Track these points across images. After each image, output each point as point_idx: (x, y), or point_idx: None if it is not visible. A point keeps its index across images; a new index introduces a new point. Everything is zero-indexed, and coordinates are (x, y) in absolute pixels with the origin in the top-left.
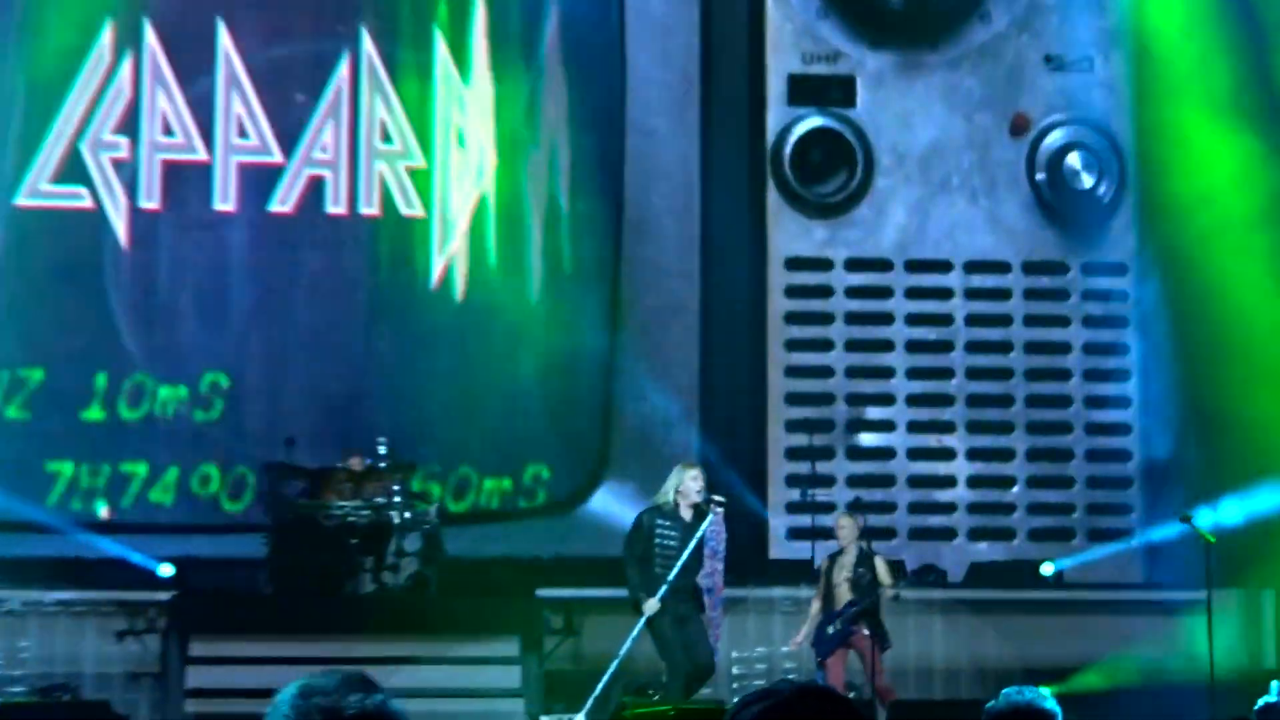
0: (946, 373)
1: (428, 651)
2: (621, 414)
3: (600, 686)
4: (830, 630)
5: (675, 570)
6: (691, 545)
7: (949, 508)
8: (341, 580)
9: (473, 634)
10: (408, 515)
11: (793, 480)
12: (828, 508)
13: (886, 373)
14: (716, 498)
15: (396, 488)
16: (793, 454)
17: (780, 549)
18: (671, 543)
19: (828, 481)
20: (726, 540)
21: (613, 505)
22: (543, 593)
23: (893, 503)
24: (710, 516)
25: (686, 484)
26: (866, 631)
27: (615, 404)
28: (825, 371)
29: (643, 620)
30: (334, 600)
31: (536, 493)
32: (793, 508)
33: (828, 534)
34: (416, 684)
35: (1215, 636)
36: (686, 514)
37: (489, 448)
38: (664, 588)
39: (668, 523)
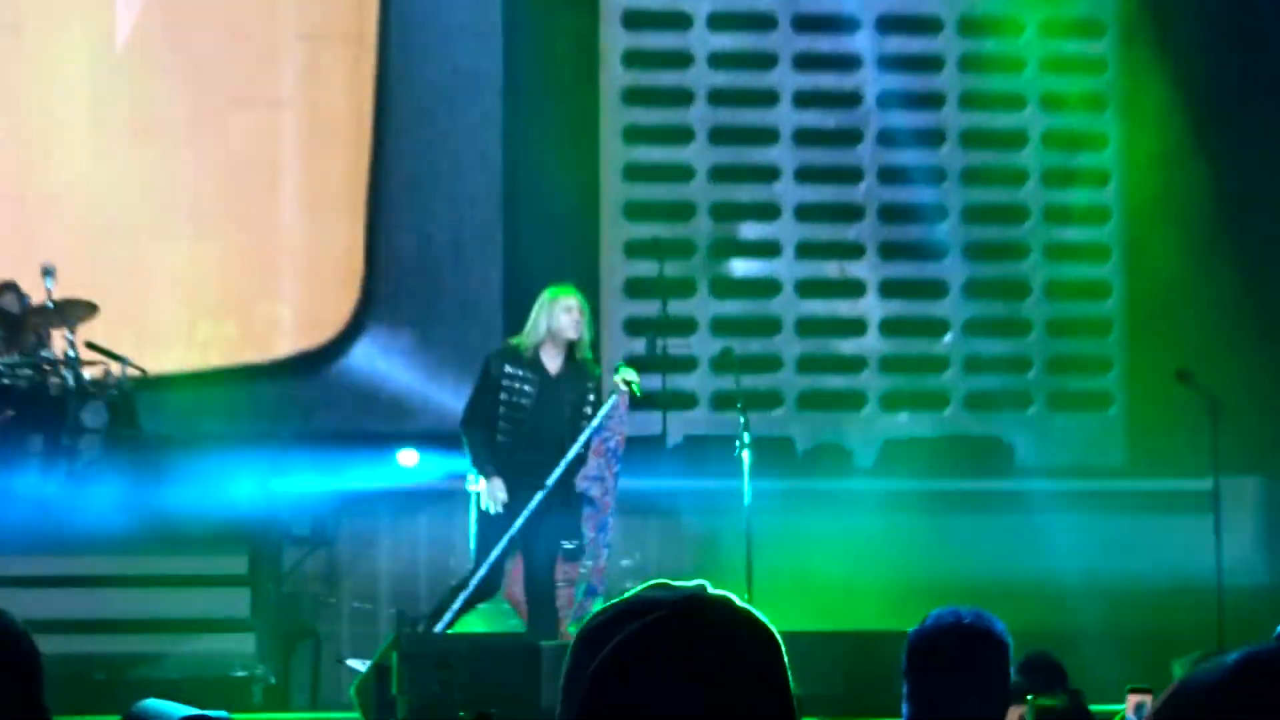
0: (852, 174)
1: (118, 569)
2: (390, 234)
3: (450, 613)
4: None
5: (561, 464)
6: (589, 430)
7: (856, 365)
8: None
9: (181, 545)
10: (87, 378)
11: (634, 326)
12: (685, 365)
13: (768, 174)
14: (626, 373)
15: (69, 337)
16: (634, 289)
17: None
18: (523, 400)
19: (685, 327)
20: (625, 439)
21: (379, 363)
22: (281, 486)
23: (776, 357)
24: (613, 398)
25: (558, 317)
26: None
27: (382, 219)
28: (681, 173)
29: (475, 508)
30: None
31: (271, 343)
32: (634, 364)
33: (686, 402)
34: (109, 613)
35: (1223, 540)
36: (553, 363)
37: (202, 278)
38: (540, 494)
39: (523, 373)
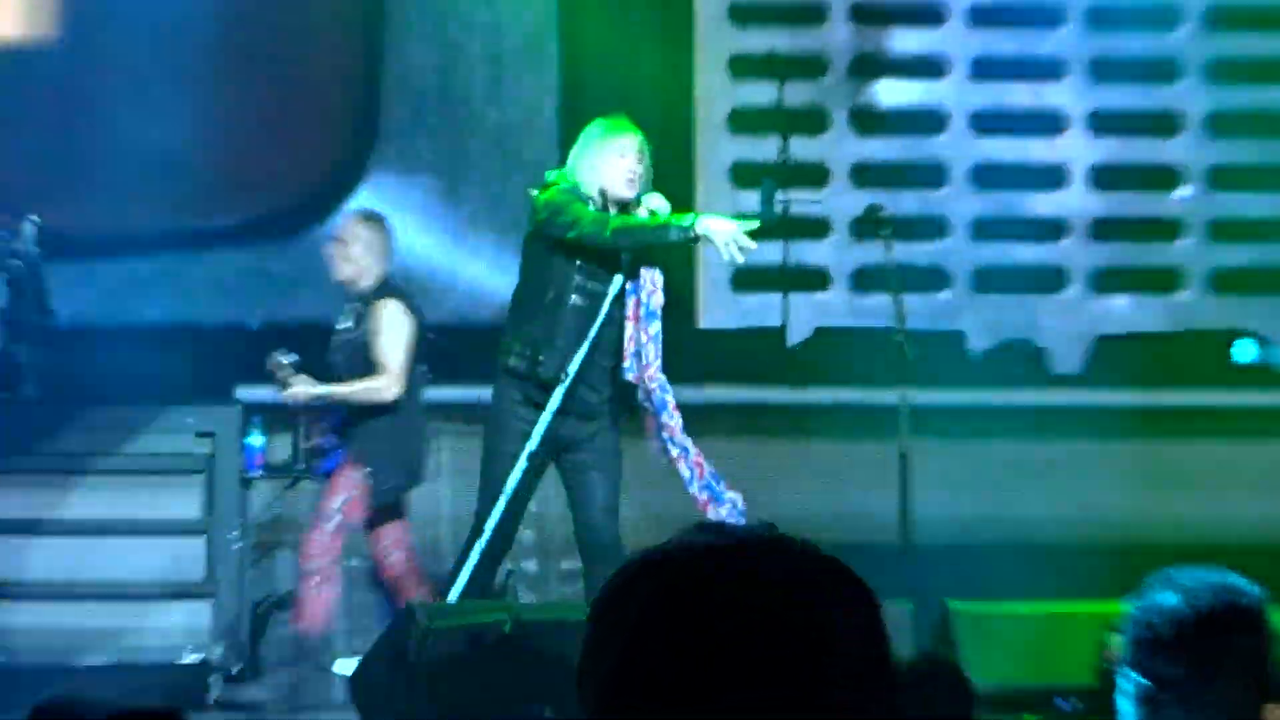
0: None
1: (18, 512)
2: (401, 45)
3: (466, 572)
4: None
5: (585, 343)
6: (609, 298)
7: (1053, 230)
8: None
9: (109, 478)
10: None
11: (742, 173)
12: (814, 228)
13: None
14: (652, 198)
15: None
16: (742, 120)
17: (718, 311)
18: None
19: (814, 175)
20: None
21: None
22: (246, 393)
23: (942, 218)
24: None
25: (609, 165)
26: None
27: (390, 24)
28: None
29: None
30: None
31: (234, 196)
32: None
33: (815, 281)
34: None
35: None
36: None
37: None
38: (562, 387)
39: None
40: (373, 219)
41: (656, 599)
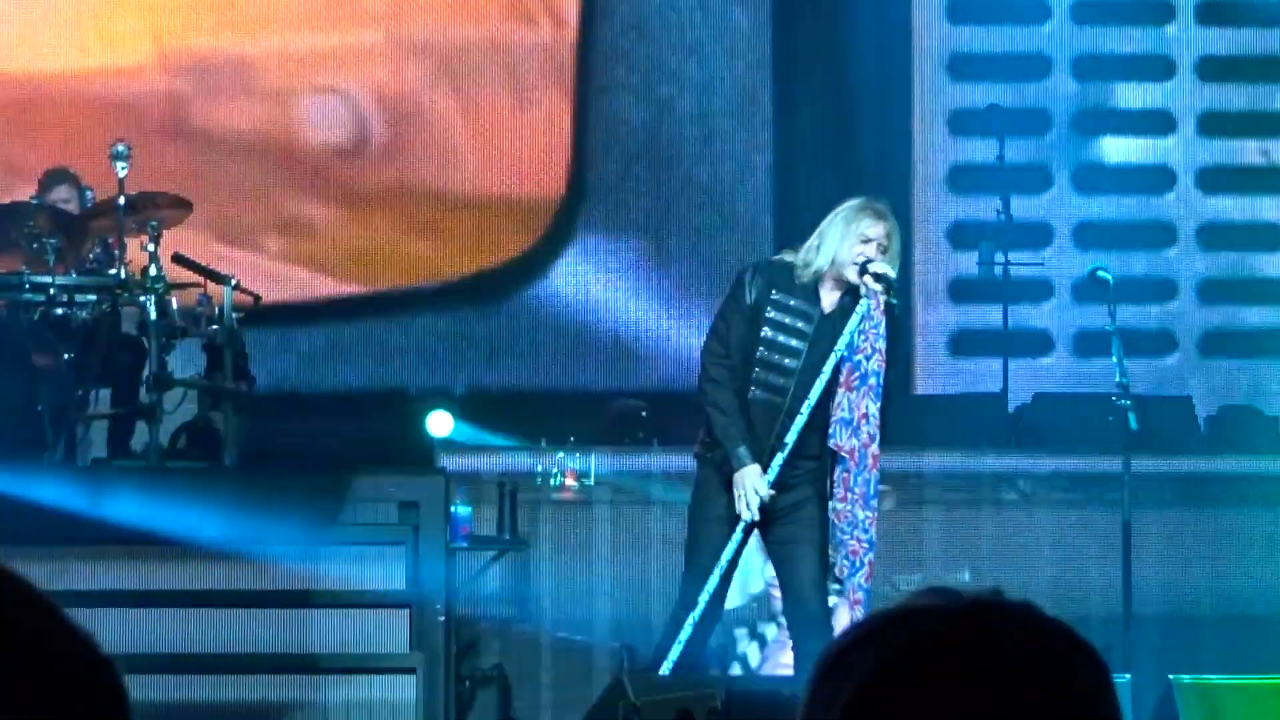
0: None
1: (223, 581)
2: (609, 100)
3: (679, 646)
4: None
5: (804, 407)
6: (832, 361)
7: None
8: (34, 441)
9: (311, 546)
10: (174, 307)
11: (960, 235)
12: (1035, 291)
13: (1159, 12)
14: (879, 266)
15: (150, 249)
16: (961, 179)
17: (935, 377)
18: (792, 342)
19: (1035, 236)
20: (887, 353)
21: (591, 287)
22: (451, 461)
23: (1169, 281)
24: (862, 305)
25: (853, 246)
26: None
27: (595, 79)
28: (1032, 10)
29: (747, 508)
30: (26, 472)
31: (438, 260)
32: (962, 289)
33: (1036, 345)
34: (211, 645)
35: None
36: (830, 298)
37: None
38: (783, 448)
39: (795, 302)
40: None
41: (889, 659)
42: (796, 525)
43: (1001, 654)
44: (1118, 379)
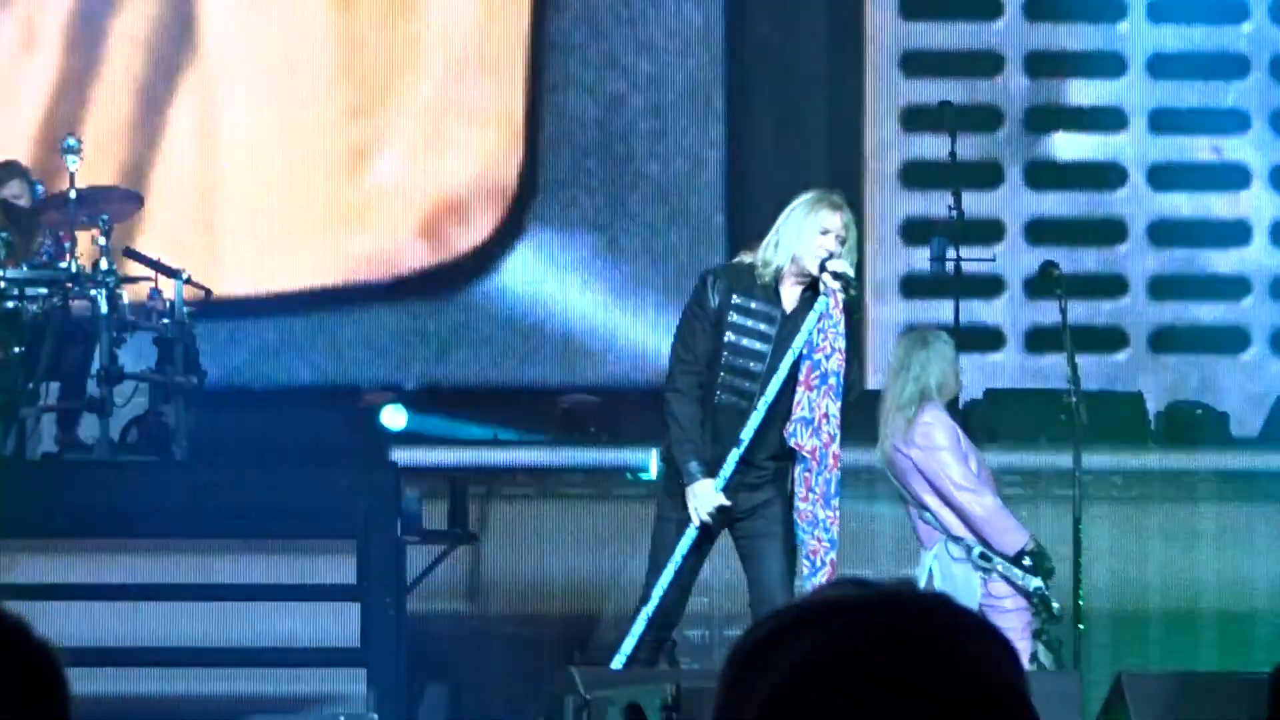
0: (1232, 9)
1: (170, 575)
2: (559, 93)
3: (631, 640)
4: None
5: (761, 404)
6: (788, 358)
7: (1235, 288)
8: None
9: (260, 542)
10: (125, 301)
11: (913, 230)
12: (986, 287)
13: (1110, 10)
14: (836, 264)
15: (102, 243)
16: (913, 174)
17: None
18: (758, 345)
19: (987, 232)
20: (847, 352)
21: (542, 283)
22: (402, 456)
23: (1119, 277)
24: (820, 303)
25: (811, 240)
26: None
27: (548, 73)
28: (984, 7)
29: (696, 521)
30: None
31: (389, 255)
32: (913, 285)
33: (987, 341)
34: (159, 638)
35: None
36: (791, 295)
37: None
38: (736, 452)
39: (756, 304)
40: None
41: (805, 655)
42: (763, 523)
43: (915, 645)
44: (1067, 376)
